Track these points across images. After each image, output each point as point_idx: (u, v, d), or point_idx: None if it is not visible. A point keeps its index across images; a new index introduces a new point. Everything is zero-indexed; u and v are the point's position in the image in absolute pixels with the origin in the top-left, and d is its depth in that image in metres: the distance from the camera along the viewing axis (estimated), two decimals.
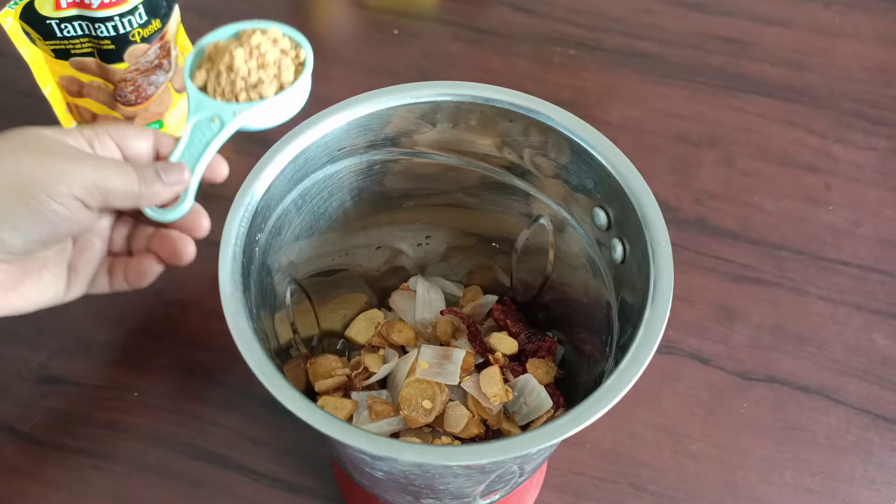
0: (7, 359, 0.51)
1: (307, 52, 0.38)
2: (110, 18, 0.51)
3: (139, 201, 0.34)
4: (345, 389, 0.43)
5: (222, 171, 0.36)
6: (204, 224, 0.36)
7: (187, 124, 0.37)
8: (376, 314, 0.47)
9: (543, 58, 0.68)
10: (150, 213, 0.35)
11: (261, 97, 0.36)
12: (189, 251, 0.36)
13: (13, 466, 0.47)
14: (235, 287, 0.31)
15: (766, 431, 0.49)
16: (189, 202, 0.35)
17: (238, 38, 0.38)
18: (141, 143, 0.35)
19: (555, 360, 0.44)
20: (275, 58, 0.37)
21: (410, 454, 0.27)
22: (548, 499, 0.46)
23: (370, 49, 0.68)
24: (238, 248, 0.33)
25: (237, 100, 0.36)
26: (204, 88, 0.37)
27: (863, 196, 0.60)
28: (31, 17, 0.51)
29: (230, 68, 0.37)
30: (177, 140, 0.36)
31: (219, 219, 0.34)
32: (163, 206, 0.35)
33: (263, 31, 0.38)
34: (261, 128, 0.37)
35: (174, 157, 0.36)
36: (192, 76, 0.38)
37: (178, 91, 0.59)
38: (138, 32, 0.52)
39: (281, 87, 0.37)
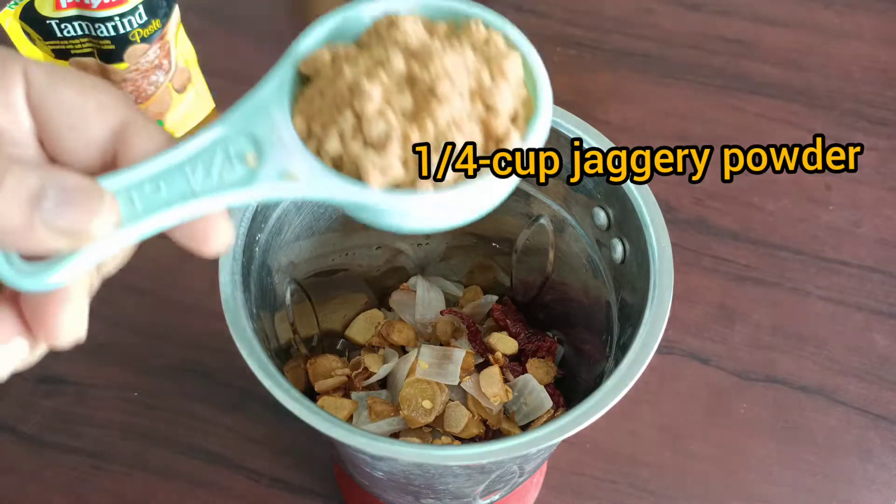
0: None
1: (541, 85, 0.23)
2: (110, 18, 0.51)
3: None
4: (345, 389, 0.43)
5: (214, 237, 0.21)
6: (76, 331, 0.20)
7: (203, 133, 0.22)
8: (376, 314, 0.47)
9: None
10: None
11: (418, 186, 0.21)
12: (59, 327, 0.20)
13: (13, 466, 0.47)
14: (235, 287, 0.31)
15: (766, 431, 0.49)
16: (69, 271, 0.20)
17: (390, 28, 0.23)
18: (89, 123, 0.21)
19: (555, 360, 0.44)
20: (472, 113, 0.22)
21: (410, 454, 0.27)
22: (548, 499, 0.46)
23: None
24: (238, 248, 0.33)
25: (360, 173, 0.21)
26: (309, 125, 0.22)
27: (863, 196, 0.59)
28: (31, 17, 0.51)
29: (356, 112, 0.22)
30: (169, 142, 0.21)
31: None
32: (28, 256, 0.20)
33: (452, 28, 0.24)
34: (392, 227, 0.23)
35: (116, 183, 0.20)
36: (293, 85, 0.23)
37: (179, 91, 0.59)
38: (138, 32, 0.52)
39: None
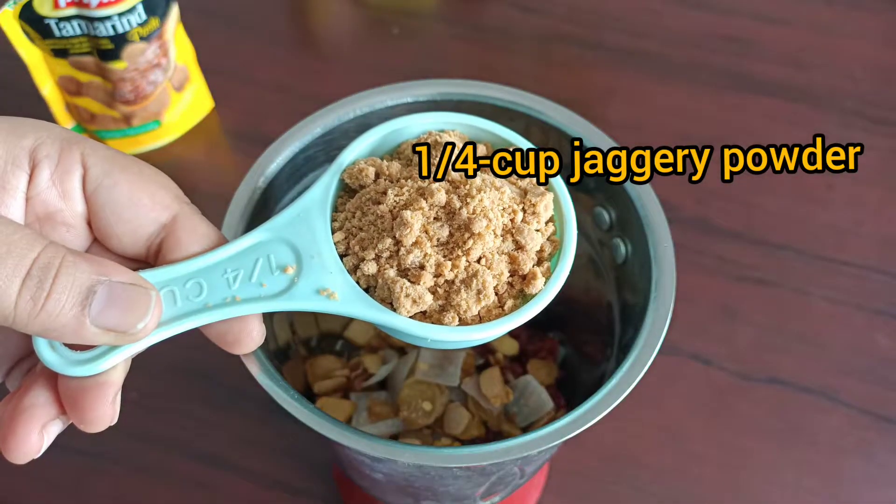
0: None
1: (568, 226, 0.25)
2: (109, 17, 0.51)
3: (10, 322, 0.19)
4: (344, 391, 0.43)
5: (246, 341, 0.23)
6: (109, 420, 0.22)
7: (247, 236, 0.23)
8: None
9: (544, 56, 0.67)
10: (40, 349, 0.21)
11: (454, 320, 0.23)
12: (98, 415, 0.22)
13: (13, 466, 0.47)
14: None
15: (768, 432, 0.49)
16: (114, 359, 0.22)
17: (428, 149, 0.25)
18: (140, 218, 0.22)
19: (556, 360, 0.44)
20: (503, 248, 0.24)
21: (410, 456, 0.27)
22: (549, 500, 0.46)
23: (370, 48, 0.68)
24: None
25: (392, 299, 0.23)
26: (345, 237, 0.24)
27: (864, 196, 0.59)
28: (29, 16, 0.51)
29: (397, 240, 0.23)
30: (216, 239, 0.23)
31: (218, 218, 0.33)
32: (70, 346, 0.21)
33: (491, 159, 0.25)
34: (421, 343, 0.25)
35: (160, 277, 0.22)
36: (335, 198, 0.25)
37: (177, 90, 0.58)
38: (137, 31, 0.52)
39: (500, 307, 0.24)
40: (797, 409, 0.49)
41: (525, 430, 0.41)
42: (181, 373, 0.50)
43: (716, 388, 0.50)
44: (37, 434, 0.22)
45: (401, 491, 0.36)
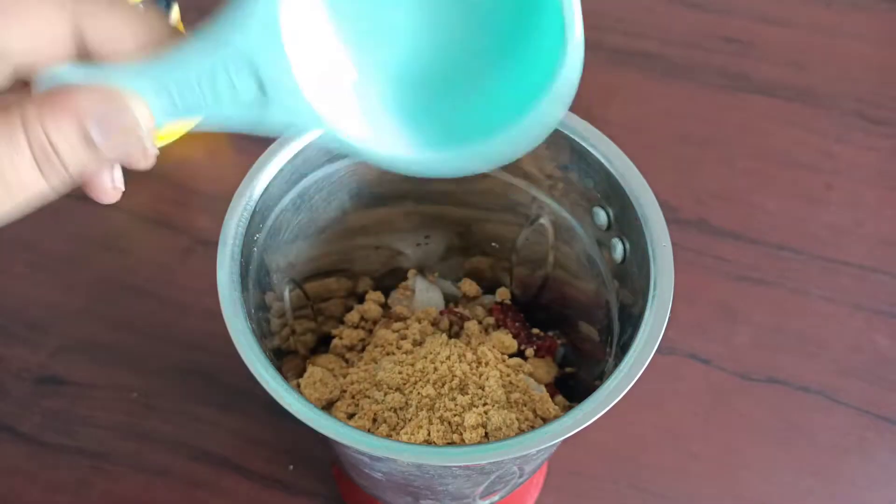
0: (6, 359, 0.51)
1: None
2: None
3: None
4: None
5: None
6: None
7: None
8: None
9: None
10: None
11: None
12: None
13: (13, 466, 0.47)
14: (234, 287, 0.31)
15: (767, 432, 0.49)
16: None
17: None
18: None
19: (555, 359, 0.44)
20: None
21: (410, 455, 0.27)
22: (548, 499, 0.46)
23: None
24: (236, 249, 0.33)
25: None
26: None
27: (864, 196, 0.59)
28: None
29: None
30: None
31: (217, 219, 0.33)
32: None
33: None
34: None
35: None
36: None
37: None
38: None
39: None
40: (797, 409, 0.49)
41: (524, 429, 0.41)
42: (181, 373, 0.50)
43: (715, 387, 0.50)
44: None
45: (400, 490, 0.36)
